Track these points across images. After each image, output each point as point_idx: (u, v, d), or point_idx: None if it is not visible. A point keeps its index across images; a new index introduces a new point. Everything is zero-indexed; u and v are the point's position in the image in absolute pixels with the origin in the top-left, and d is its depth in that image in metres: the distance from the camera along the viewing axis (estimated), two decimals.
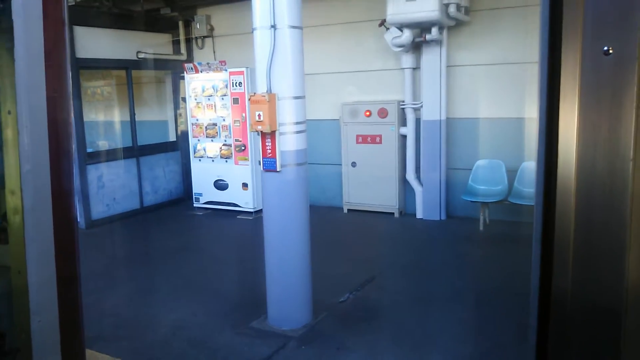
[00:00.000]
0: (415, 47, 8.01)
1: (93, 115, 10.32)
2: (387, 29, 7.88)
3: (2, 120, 1.72)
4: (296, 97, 4.59)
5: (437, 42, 7.73)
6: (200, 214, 9.26)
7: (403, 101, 8.32)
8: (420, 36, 7.74)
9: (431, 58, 7.90)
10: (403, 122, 8.37)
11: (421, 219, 8.31)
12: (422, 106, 8.14)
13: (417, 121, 8.28)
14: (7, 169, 1.72)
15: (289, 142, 4.58)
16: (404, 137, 8.39)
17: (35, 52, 1.65)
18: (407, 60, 8.10)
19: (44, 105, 1.64)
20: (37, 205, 1.60)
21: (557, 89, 0.96)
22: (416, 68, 8.17)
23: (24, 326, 1.57)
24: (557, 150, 0.95)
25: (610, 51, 0.93)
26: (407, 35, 7.66)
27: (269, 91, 4.50)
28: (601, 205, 0.96)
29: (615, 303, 1.00)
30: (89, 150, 8.76)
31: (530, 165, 7.37)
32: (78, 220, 8.38)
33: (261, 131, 4.55)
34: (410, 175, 8.39)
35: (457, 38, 7.90)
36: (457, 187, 8.15)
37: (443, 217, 8.20)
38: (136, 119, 9.42)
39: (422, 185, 8.31)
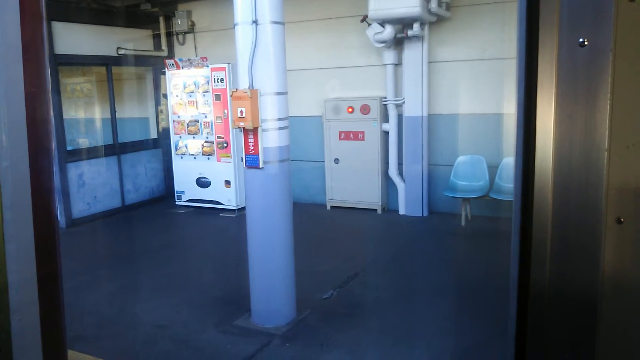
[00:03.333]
0: (397, 43, 8.04)
1: (73, 112, 10.19)
2: (369, 24, 7.90)
3: None
4: (278, 93, 4.58)
5: (419, 38, 7.76)
6: (183, 212, 9.21)
7: (385, 97, 8.35)
8: (402, 32, 7.77)
9: (413, 54, 7.94)
10: (385, 118, 8.40)
11: (404, 215, 8.35)
12: (404, 102, 8.17)
13: (399, 117, 8.32)
14: None
15: (271, 139, 4.58)
16: (386, 133, 8.42)
17: (13, 47, 1.63)
18: (389, 56, 8.13)
19: (23, 102, 1.61)
20: (16, 202, 1.58)
21: (535, 81, 0.97)
22: (398, 64, 8.20)
23: (4, 325, 1.55)
24: (534, 142, 0.97)
25: (586, 43, 0.94)
26: (388, 31, 7.69)
27: (251, 87, 4.48)
28: (577, 197, 0.98)
29: (591, 294, 1.02)
30: (69, 148, 8.65)
31: (510, 161, 7.45)
32: (58, 219, 8.27)
33: (243, 127, 4.54)
34: (393, 172, 8.43)
35: (439, 34, 7.95)
36: (439, 183, 8.21)
37: (425, 213, 8.26)
38: (117, 116, 9.32)
39: (404, 181, 8.35)
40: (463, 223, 7.53)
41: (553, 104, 0.95)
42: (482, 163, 7.73)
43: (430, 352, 4.22)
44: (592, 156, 0.95)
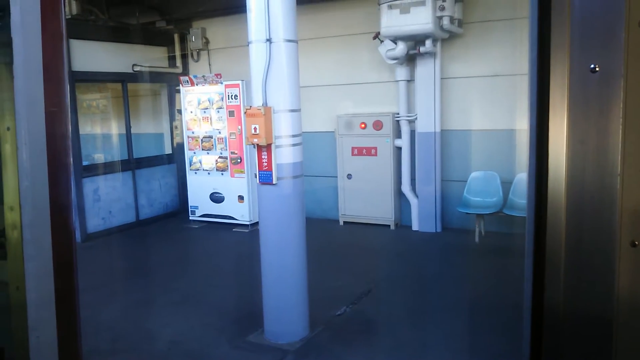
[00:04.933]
0: (410, 59, 8.07)
1: (89, 128, 10.33)
2: (381, 41, 7.95)
3: (1, 136, 1.72)
4: (292, 110, 4.62)
5: (431, 54, 7.79)
6: (196, 227, 9.25)
7: (398, 113, 8.37)
8: (414, 48, 7.81)
9: (425, 70, 7.96)
10: (398, 134, 8.42)
11: (417, 230, 8.32)
12: (416, 118, 8.18)
13: (412, 133, 8.32)
14: (6, 184, 1.72)
15: (285, 155, 4.60)
16: (399, 149, 8.43)
17: (34, 67, 1.65)
18: (402, 72, 8.17)
19: (43, 121, 1.64)
20: (35, 220, 1.60)
21: (547, 104, 0.98)
22: (410, 80, 8.23)
23: (23, 342, 1.57)
24: (547, 164, 0.97)
25: (597, 69, 0.95)
26: (401, 48, 7.73)
27: (265, 104, 4.53)
28: (591, 218, 0.98)
29: (606, 315, 1.01)
30: (85, 163, 8.75)
31: (524, 177, 7.40)
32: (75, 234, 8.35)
33: (257, 144, 4.57)
34: (406, 187, 8.41)
35: (451, 50, 7.98)
36: (452, 199, 8.18)
37: (439, 229, 8.22)
38: (132, 132, 9.42)
39: (417, 197, 8.33)
40: (477, 239, 7.48)
41: (565, 129, 0.96)
42: (495, 179, 7.69)
43: None
44: (605, 180, 0.96)
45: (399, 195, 8.54)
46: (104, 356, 4.58)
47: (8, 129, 1.71)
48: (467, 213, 7.62)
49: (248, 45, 4.61)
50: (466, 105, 8.02)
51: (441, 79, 7.97)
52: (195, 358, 4.55)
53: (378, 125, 8.39)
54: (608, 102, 0.95)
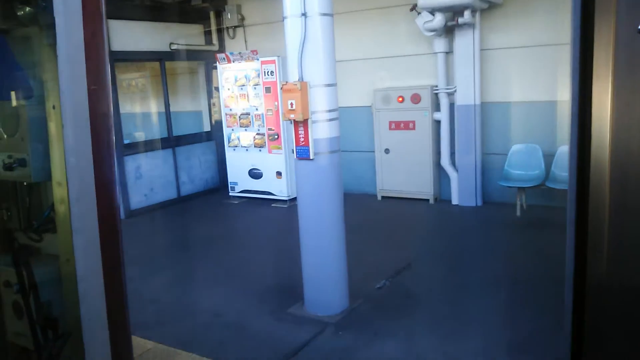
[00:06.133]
0: (448, 31, 7.89)
1: (129, 107, 10.53)
2: (419, 13, 7.79)
3: (47, 114, 1.78)
4: (328, 85, 4.60)
5: (470, 25, 7.60)
6: (236, 202, 9.39)
7: (436, 86, 8.23)
8: (452, 20, 7.62)
9: (464, 42, 7.78)
10: (437, 107, 8.29)
11: (457, 205, 8.24)
12: (455, 91, 8.03)
13: (451, 106, 8.18)
14: (53, 161, 1.78)
15: (321, 130, 4.60)
16: (437, 122, 8.31)
17: (76, 47, 1.68)
18: (440, 44, 8.00)
19: (86, 99, 1.68)
20: (82, 196, 1.65)
21: (590, 69, 0.94)
22: (449, 52, 8.06)
23: (74, 311, 1.64)
24: (590, 131, 0.94)
25: None
26: (439, 19, 7.56)
27: (301, 79, 4.52)
28: (636, 187, 0.94)
29: None
30: (126, 141, 8.95)
31: (567, 149, 7.20)
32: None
33: (294, 119, 4.58)
34: (445, 161, 8.31)
35: (490, 21, 7.76)
36: (493, 172, 8.04)
37: (479, 203, 8.11)
38: (171, 110, 9.57)
39: (457, 170, 8.23)
40: (518, 213, 7.36)
41: (610, 93, 0.92)
42: (537, 151, 7.51)
43: (485, 344, 4.16)
44: None
45: (438, 169, 8.44)
46: (149, 328, 4.73)
47: (53, 107, 1.76)
48: (508, 186, 7.48)
49: (283, 21, 4.58)
50: (506, 76, 7.82)
51: (480, 50, 7.77)
52: (238, 329, 4.66)
53: (416, 99, 8.28)
54: None
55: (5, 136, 2.00)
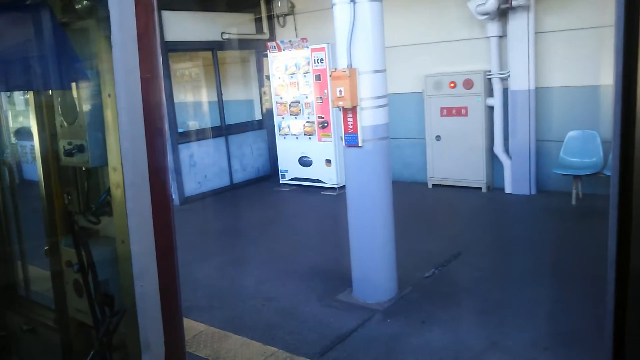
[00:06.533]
0: (501, 14, 7.68)
1: (182, 96, 10.78)
2: None
3: (103, 102, 1.86)
4: (377, 71, 4.57)
5: (524, 7, 7.37)
6: (286, 190, 9.50)
7: (489, 71, 8.04)
8: (505, 2, 7.41)
9: (518, 25, 7.55)
10: (489, 93, 8.10)
11: (510, 193, 8.06)
12: (509, 76, 7.83)
13: (505, 91, 7.98)
14: (109, 147, 1.87)
15: (370, 117, 4.59)
16: (490, 108, 8.13)
17: (129, 37, 1.75)
18: (493, 28, 7.80)
19: (139, 87, 1.74)
20: (136, 180, 1.72)
21: (635, 47, 0.91)
22: (502, 36, 7.84)
23: (129, 290, 1.72)
24: (634, 114, 0.90)
25: None
26: (491, 2, 7.37)
27: (350, 66, 4.51)
28: None
29: None
30: (180, 130, 9.19)
31: None
32: (172, 197, 8.85)
33: (342, 107, 4.59)
34: (498, 148, 8.13)
35: (545, 3, 7.49)
36: (547, 160, 7.81)
37: (533, 192, 7.91)
38: (223, 99, 9.74)
39: (510, 158, 8.04)
40: (574, 202, 7.13)
41: None
42: (595, 138, 7.24)
43: (536, 334, 4.08)
44: None
45: (491, 156, 8.27)
46: (202, 311, 4.88)
47: (109, 95, 1.84)
48: (563, 174, 7.25)
49: (332, 7, 4.58)
50: (563, 60, 7.55)
51: (535, 33, 7.53)
52: (288, 314, 4.74)
53: (468, 84, 8.12)
54: None
55: (65, 124, 2.10)
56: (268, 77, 9.90)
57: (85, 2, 1.88)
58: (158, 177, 1.83)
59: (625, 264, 0.98)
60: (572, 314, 4.33)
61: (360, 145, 4.61)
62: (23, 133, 2.91)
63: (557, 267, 5.30)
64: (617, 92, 0.91)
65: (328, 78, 8.07)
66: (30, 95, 2.36)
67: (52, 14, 2.06)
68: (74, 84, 2.15)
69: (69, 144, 2.03)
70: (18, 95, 3.10)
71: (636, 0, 0.87)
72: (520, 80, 7.71)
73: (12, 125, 3.22)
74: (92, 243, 2.01)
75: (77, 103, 2.09)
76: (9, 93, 3.10)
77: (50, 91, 2.24)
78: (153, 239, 1.76)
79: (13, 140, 3.20)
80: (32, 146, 2.40)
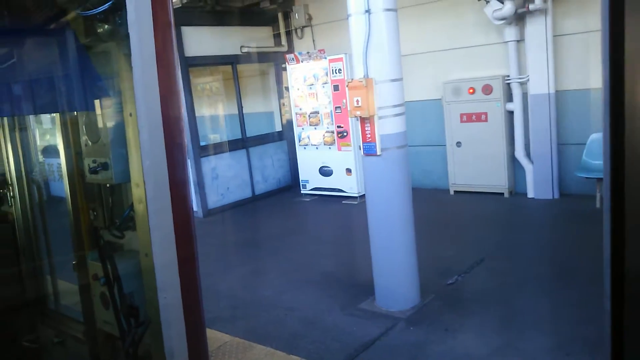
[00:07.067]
0: (518, 18, 7.65)
1: (204, 110, 10.93)
2: (487, 2, 7.61)
3: (125, 121, 1.93)
4: (393, 80, 4.61)
5: (542, 11, 7.34)
6: (308, 200, 9.55)
7: (508, 76, 8.01)
8: (523, 6, 7.40)
9: (536, 29, 7.52)
10: (509, 98, 8.07)
11: (532, 198, 7.99)
12: (528, 80, 7.79)
13: (524, 96, 7.94)
14: (131, 164, 1.93)
15: (388, 126, 4.62)
16: (510, 113, 8.08)
17: (148, 55, 1.81)
18: (510, 32, 7.78)
19: (158, 105, 1.80)
20: (157, 195, 1.78)
21: (622, 53, 0.93)
22: (520, 40, 7.81)
23: (153, 301, 1.78)
24: (623, 117, 0.92)
25: None
26: (508, 7, 7.36)
27: (366, 76, 4.55)
28: None
29: None
30: (202, 143, 9.31)
31: None
32: (195, 209, 8.97)
33: (360, 116, 4.63)
34: (520, 153, 8.07)
35: (563, 5, 7.45)
36: (570, 164, 7.73)
37: (556, 196, 7.83)
38: (244, 111, 9.86)
39: (532, 162, 7.97)
40: (598, 205, 7.03)
41: None
42: None
43: (559, 340, 4.04)
44: None
45: (513, 161, 8.21)
46: (226, 322, 4.93)
47: (130, 115, 1.91)
48: (587, 177, 7.17)
49: (348, 18, 4.64)
50: (583, 63, 7.48)
51: (553, 36, 7.48)
52: (310, 324, 4.77)
53: (487, 90, 8.09)
54: None
55: (90, 142, 2.18)
56: (287, 89, 10.00)
57: (106, 26, 1.95)
58: (179, 191, 1.88)
59: (620, 264, 1.00)
60: (596, 319, 4.27)
61: (378, 154, 4.64)
62: (50, 151, 3.01)
63: (582, 271, 5.24)
64: (606, 96, 0.94)
65: (346, 88, 8.12)
66: (56, 116, 2.46)
67: (75, 38, 2.15)
68: (97, 104, 2.23)
69: (94, 161, 2.11)
70: (44, 114, 3.20)
71: (621, 6, 0.90)
72: (540, 84, 7.67)
73: (39, 143, 3.31)
74: (117, 257, 2.07)
75: (100, 122, 2.17)
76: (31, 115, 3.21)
77: (75, 112, 2.33)
78: (175, 252, 1.81)
79: (40, 158, 3.30)
80: (59, 164, 2.49)
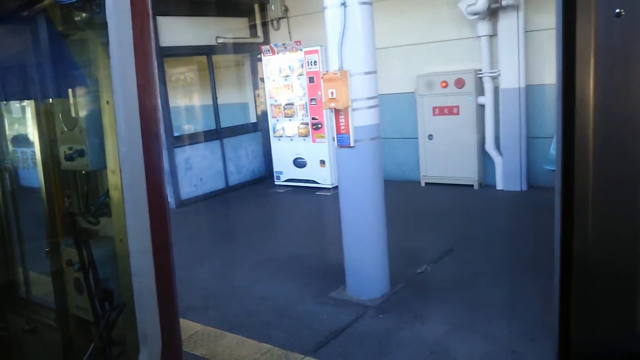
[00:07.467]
0: (491, 13, 7.80)
1: (178, 100, 10.86)
2: None
3: (102, 108, 1.95)
4: (367, 73, 4.67)
5: (514, 7, 7.49)
6: (281, 191, 9.59)
7: (480, 70, 8.16)
8: (496, 2, 7.53)
9: (508, 24, 7.67)
10: (481, 92, 8.22)
11: (501, 190, 8.17)
12: (500, 74, 7.95)
13: (496, 90, 8.10)
14: (108, 151, 1.96)
15: (361, 118, 4.69)
16: (482, 106, 8.24)
17: (126, 46, 1.83)
18: (483, 27, 7.92)
19: (135, 93, 1.83)
20: (133, 182, 1.81)
21: (573, 51, 1.01)
22: (493, 35, 7.96)
23: (127, 286, 1.81)
24: (574, 113, 1.00)
25: (622, 13, 0.97)
26: (482, 2, 7.49)
27: (341, 68, 4.61)
28: (618, 168, 1.01)
29: (636, 258, 1.05)
30: (176, 134, 9.27)
31: None
32: (169, 200, 8.93)
33: (334, 108, 4.69)
34: (490, 146, 8.25)
35: (535, 1, 7.61)
36: (538, 156, 7.93)
37: (524, 188, 8.03)
38: (218, 102, 9.83)
39: (501, 155, 8.15)
40: None
41: (592, 75, 0.99)
42: None
43: (524, 326, 4.19)
44: (631, 126, 0.98)
45: (483, 154, 8.38)
46: (198, 312, 4.97)
47: (107, 102, 1.93)
48: (554, 170, 7.34)
49: (324, 11, 4.68)
50: (553, 58, 7.60)
51: (525, 32, 7.65)
52: (282, 312, 4.84)
53: (460, 84, 8.23)
54: (634, 47, 0.96)
55: (66, 129, 2.20)
56: (262, 80, 10.00)
57: (83, 14, 1.97)
58: (154, 178, 1.92)
59: (569, 251, 1.09)
60: None
61: (352, 145, 4.71)
62: (20, 140, 2.99)
63: (547, 261, 5.39)
64: (559, 92, 1.02)
65: (321, 80, 8.17)
66: (30, 103, 2.46)
67: (52, 25, 2.16)
68: (73, 92, 2.24)
69: (70, 148, 2.12)
70: (14, 103, 3.17)
71: (573, 6, 0.98)
72: (511, 79, 7.83)
73: (9, 132, 3.28)
74: (92, 243, 2.10)
75: (76, 110, 2.18)
76: (4, 101, 3.18)
77: (50, 99, 2.34)
78: (150, 238, 1.85)
79: (10, 147, 3.27)
80: (33, 152, 2.49)
